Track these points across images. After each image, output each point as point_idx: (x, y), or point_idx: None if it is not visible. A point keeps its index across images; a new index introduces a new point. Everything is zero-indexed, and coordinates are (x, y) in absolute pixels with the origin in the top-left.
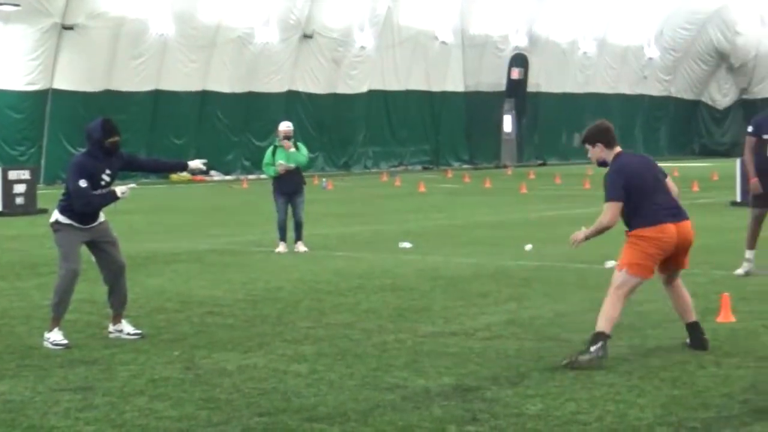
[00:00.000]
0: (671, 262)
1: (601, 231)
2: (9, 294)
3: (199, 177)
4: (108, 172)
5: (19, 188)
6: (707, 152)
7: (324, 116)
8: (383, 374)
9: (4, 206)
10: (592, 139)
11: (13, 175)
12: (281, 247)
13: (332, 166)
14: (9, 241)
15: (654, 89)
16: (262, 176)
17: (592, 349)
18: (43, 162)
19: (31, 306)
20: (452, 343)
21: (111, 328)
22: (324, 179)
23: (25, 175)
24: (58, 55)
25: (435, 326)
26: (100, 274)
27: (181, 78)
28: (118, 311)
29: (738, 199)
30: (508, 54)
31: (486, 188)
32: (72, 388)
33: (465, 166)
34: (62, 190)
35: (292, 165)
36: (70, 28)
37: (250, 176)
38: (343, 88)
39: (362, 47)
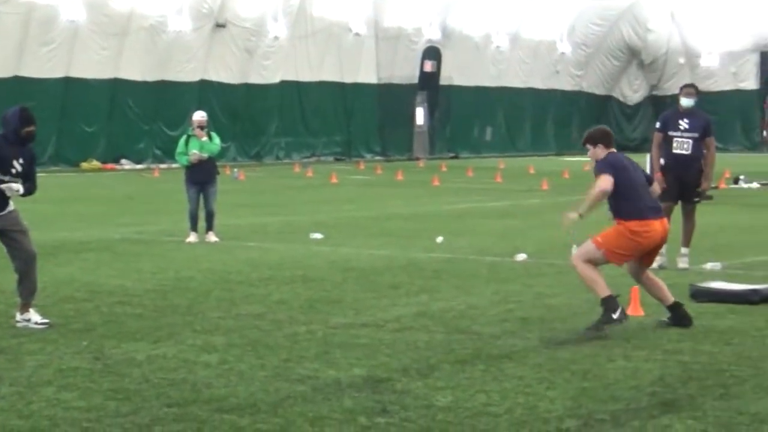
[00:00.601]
0: (646, 258)
1: (597, 199)
2: None
3: (110, 165)
4: (21, 161)
5: None
6: (618, 147)
7: (236, 106)
8: (294, 365)
9: None
10: (596, 139)
11: None
12: (192, 237)
13: (244, 156)
14: None
15: (566, 84)
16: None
17: (610, 315)
18: None
19: None
20: (363, 334)
21: (18, 317)
22: (236, 169)
23: None
24: None
25: (346, 317)
26: (11, 263)
27: (93, 65)
28: (26, 300)
29: None
30: (421, 47)
31: (398, 180)
32: None
33: (377, 158)
34: None
35: (205, 155)
36: None
37: (162, 165)
38: (255, 78)
39: (275, 37)
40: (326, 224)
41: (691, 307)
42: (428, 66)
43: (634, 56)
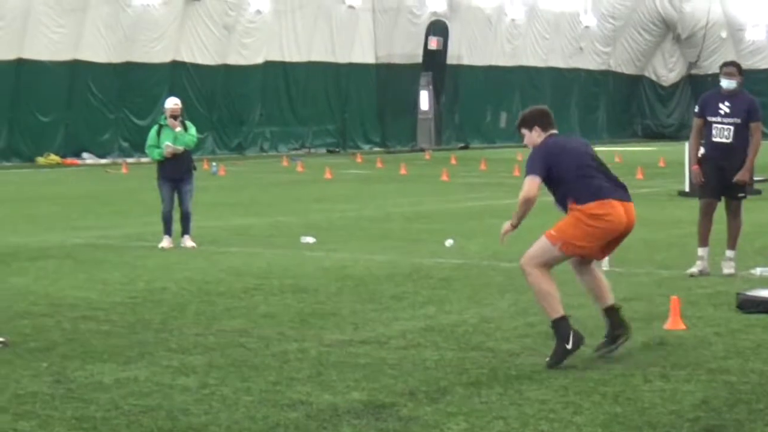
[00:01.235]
0: (609, 248)
1: (525, 209)
2: None
3: (70, 160)
4: None
5: None
6: (651, 134)
7: (214, 91)
8: (284, 389)
9: None
10: (530, 122)
11: None
12: (166, 242)
13: (224, 149)
14: None
15: (591, 62)
16: (144, 159)
17: (564, 345)
18: None
19: None
20: (363, 353)
21: None
22: (215, 164)
23: None
24: None
25: (343, 333)
26: None
27: (48, 46)
28: None
29: (687, 188)
30: (425, 21)
31: (401, 175)
32: None
33: (376, 149)
34: None
35: (180, 147)
36: None
37: (130, 159)
38: (235, 59)
39: (257, 11)
40: (319, 226)
41: (739, 319)
42: (433, 43)
43: (669, 29)
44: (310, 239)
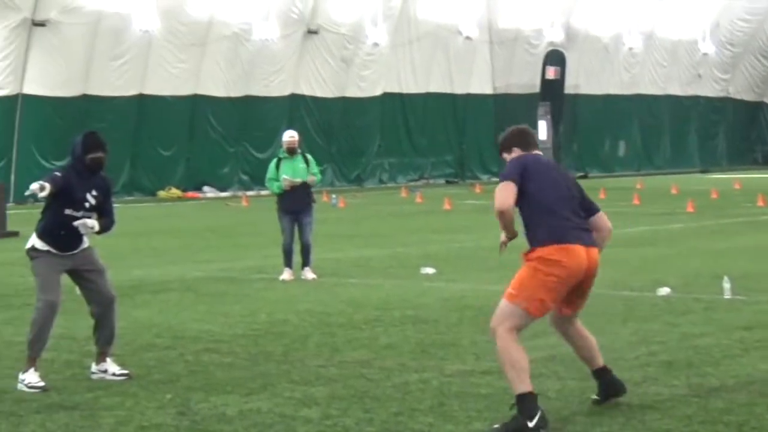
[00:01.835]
0: (576, 298)
1: (504, 221)
2: None
3: (191, 193)
4: (94, 193)
5: None
6: None
7: (332, 123)
8: (406, 419)
9: None
10: (508, 144)
11: None
12: (287, 274)
13: (343, 181)
14: None
15: (710, 90)
16: (263, 192)
17: (525, 422)
18: (12, 178)
19: (2, 343)
20: (484, 383)
21: (94, 368)
22: (334, 196)
23: None
24: (28, 55)
25: (464, 364)
26: (87, 307)
27: (169, 81)
28: (103, 349)
29: None
30: (542, 51)
31: None
32: None
33: (494, 179)
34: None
35: (299, 180)
36: (41, 24)
37: (249, 192)
38: (353, 91)
39: (375, 44)
40: (438, 257)
41: None
42: (551, 72)
43: None
44: (429, 270)
